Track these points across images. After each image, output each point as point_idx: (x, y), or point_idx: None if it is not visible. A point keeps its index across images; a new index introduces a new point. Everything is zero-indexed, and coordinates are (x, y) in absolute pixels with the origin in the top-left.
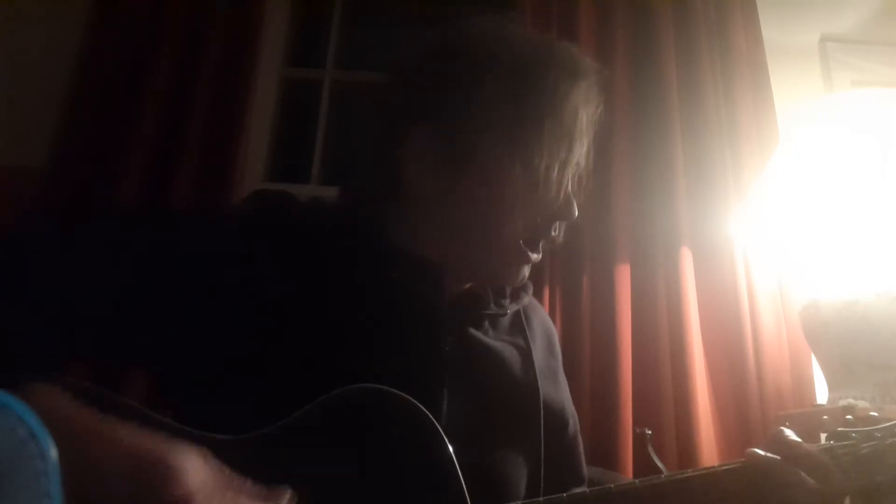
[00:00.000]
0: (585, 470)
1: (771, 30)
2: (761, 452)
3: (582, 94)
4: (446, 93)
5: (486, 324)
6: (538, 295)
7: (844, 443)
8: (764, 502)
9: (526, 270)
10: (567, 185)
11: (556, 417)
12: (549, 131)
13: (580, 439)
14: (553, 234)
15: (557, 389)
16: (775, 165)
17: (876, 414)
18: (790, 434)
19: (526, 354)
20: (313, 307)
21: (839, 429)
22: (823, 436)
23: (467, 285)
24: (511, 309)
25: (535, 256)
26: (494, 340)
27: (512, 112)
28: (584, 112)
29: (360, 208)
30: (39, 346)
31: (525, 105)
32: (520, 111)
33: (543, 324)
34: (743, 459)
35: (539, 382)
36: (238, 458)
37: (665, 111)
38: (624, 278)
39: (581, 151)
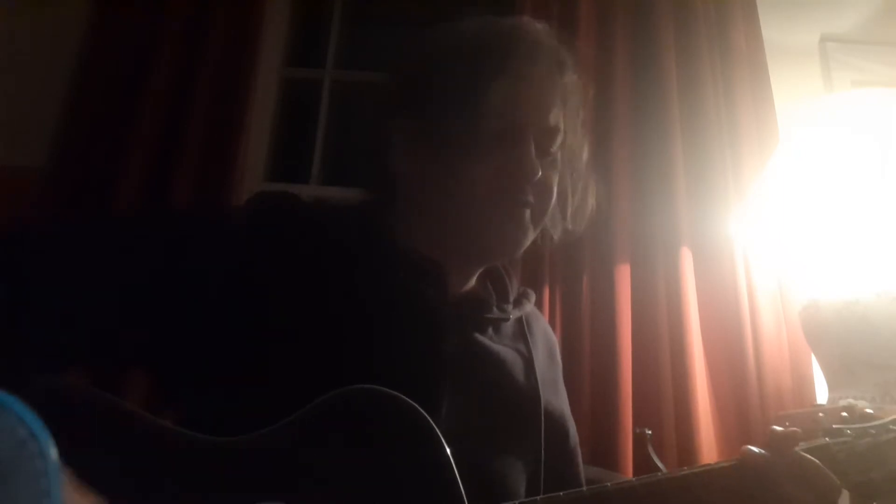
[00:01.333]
0: (584, 481)
1: (771, 30)
2: (755, 449)
3: (542, 61)
4: (421, 88)
5: (490, 329)
6: (538, 294)
7: (840, 439)
8: (760, 499)
9: (522, 235)
10: (530, 148)
11: (556, 425)
12: (507, 96)
13: (579, 452)
14: (528, 198)
15: (558, 398)
16: (775, 165)
17: (871, 411)
18: (784, 431)
19: (528, 361)
20: (315, 308)
21: (835, 426)
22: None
23: (471, 284)
24: (514, 314)
25: (519, 211)
26: (497, 345)
27: (465, 91)
28: (550, 77)
29: (361, 208)
30: (41, 348)
31: (484, 79)
32: (470, 89)
33: (545, 333)
34: (738, 457)
35: (540, 389)
36: (235, 461)
37: (665, 111)
38: (624, 278)
39: (549, 117)
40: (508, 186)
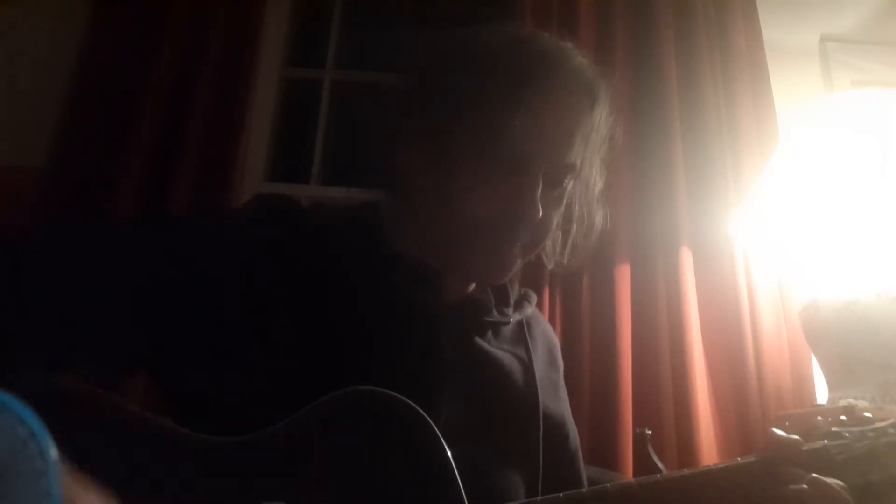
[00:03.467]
0: (585, 483)
1: (771, 30)
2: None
3: (573, 94)
4: (439, 92)
5: (489, 332)
6: (538, 295)
7: (838, 442)
8: (761, 502)
9: (507, 268)
10: (537, 188)
11: (556, 430)
12: (527, 128)
13: (580, 455)
14: (520, 236)
15: (558, 402)
16: (775, 165)
17: (869, 415)
18: (784, 434)
19: (527, 365)
20: (313, 311)
21: (833, 429)
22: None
23: (470, 289)
24: (514, 318)
25: (507, 247)
26: (496, 349)
27: (486, 109)
28: (578, 112)
29: (359, 212)
30: (43, 350)
31: (497, 104)
32: (492, 110)
33: (546, 336)
34: (740, 458)
35: (539, 393)
36: (236, 461)
37: (665, 111)
38: (624, 278)
39: (567, 154)
40: (503, 221)
